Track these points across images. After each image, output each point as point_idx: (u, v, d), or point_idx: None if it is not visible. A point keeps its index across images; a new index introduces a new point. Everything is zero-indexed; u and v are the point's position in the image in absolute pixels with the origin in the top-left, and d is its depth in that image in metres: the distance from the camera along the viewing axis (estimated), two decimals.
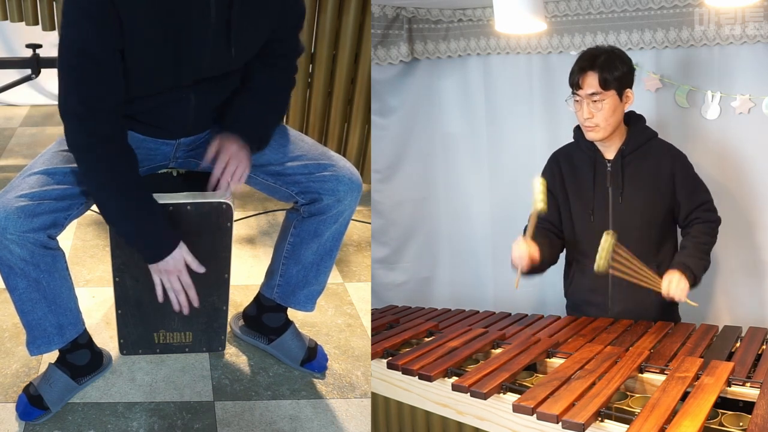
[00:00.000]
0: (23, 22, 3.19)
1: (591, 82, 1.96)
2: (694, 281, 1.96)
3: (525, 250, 2.01)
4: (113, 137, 1.71)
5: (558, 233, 2.16)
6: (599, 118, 1.98)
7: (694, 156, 2.35)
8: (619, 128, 2.04)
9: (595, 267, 1.92)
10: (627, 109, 2.03)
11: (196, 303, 1.86)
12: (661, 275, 1.99)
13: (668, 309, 2.09)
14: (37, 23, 3.19)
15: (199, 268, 1.83)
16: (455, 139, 2.80)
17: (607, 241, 1.91)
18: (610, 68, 1.96)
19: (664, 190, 2.04)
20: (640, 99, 2.41)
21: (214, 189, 1.88)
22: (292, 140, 1.99)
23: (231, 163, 1.86)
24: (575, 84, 1.99)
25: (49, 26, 3.20)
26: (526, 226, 2.07)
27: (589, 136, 2.03)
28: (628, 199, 2.04)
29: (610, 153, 2.06)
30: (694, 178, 2.08)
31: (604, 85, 1.95)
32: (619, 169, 2.04)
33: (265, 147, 1.92)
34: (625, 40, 2.38)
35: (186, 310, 1.86)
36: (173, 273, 1.81)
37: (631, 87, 2.01)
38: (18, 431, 1.86)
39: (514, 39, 2.58)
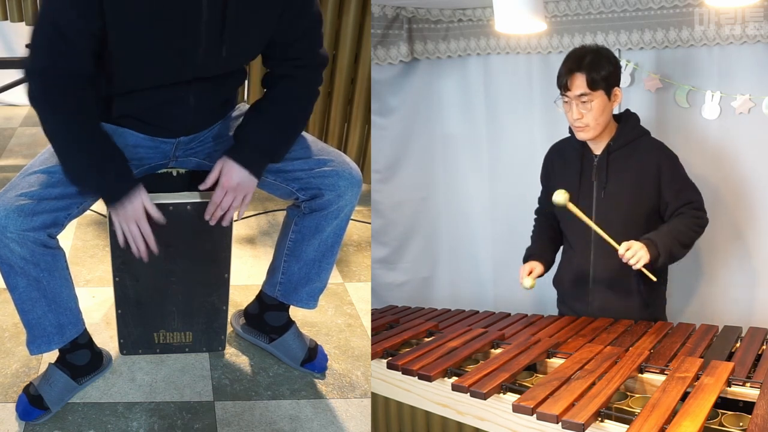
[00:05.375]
0: (23, 22, 3.19)
1: (579, 83, 1.97)
2: (656, 257, 1.91)
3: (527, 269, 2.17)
4: (73, 91, 1.70)
5: (557, 223, 2.26)
6: (589, 118, 2.00)
7: (694, 156, 2.35)
8: (609, 125, 2.06)
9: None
10: (616, 106, 2.04)
11: (155, 249, 1.83)
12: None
13: (652, 306, 2.10)
14: None
15: (159, 217, 1.81)
16: (455, 139, 2.79)
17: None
18: (597, 68, 1.97)
19: (648, 186, 2.03)
20: (640, 99, 2.42)
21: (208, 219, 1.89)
22: None
23: (227, 197, 1.86)
24: (563, 86, 2.01)
25: None
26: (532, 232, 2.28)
27: (580, 136, 2.05)
28: (611, 194, 2.06)
29: (598, 148, 2.09)
30: (682, 178, 2.06)
31: (592, 85, 1.96)
32: (605, 164, 2.06)
33: (281, 160, 1.91)
34: (625, 40, 2.38)
35: (145, 257, 1.83)
36: (131, 219, 1.78)
37: (618, 85, 2.02)
38: (18, 431, 1.86)
39: (514, 39, 2.58)
